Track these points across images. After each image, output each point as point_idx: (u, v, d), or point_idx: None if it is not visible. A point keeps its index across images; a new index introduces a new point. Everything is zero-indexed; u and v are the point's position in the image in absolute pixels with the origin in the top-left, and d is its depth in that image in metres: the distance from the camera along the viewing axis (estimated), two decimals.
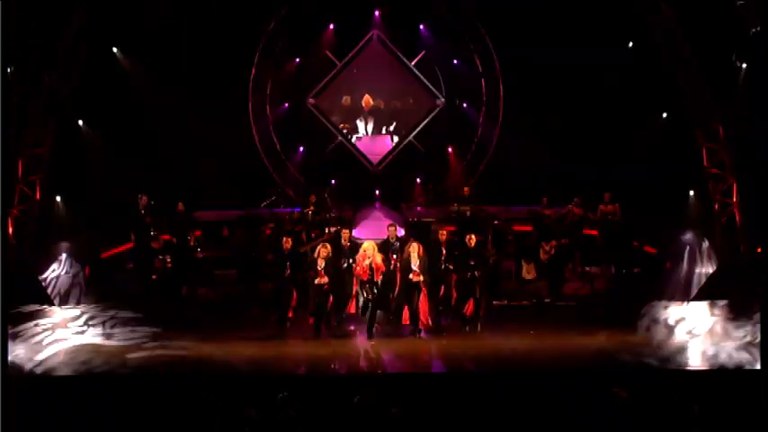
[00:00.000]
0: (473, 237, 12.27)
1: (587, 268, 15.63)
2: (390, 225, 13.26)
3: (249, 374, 10.35)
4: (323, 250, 12.05)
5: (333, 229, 16.20)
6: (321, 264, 12.01)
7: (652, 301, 12.73)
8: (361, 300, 12.06)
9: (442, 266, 12.41)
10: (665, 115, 17.25)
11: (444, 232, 12.66)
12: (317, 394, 9.16)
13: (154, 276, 14.83)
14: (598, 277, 15.36)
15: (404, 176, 19.22)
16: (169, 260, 14.64)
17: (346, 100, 19.89)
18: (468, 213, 16.66)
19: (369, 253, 11.92)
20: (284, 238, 12.55)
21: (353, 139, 19.85)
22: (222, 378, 10.09)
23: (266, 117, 19.05)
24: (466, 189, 17.25)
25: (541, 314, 13.77)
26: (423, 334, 11.92)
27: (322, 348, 11.43)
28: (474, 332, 12.06)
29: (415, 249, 11.88)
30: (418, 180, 19.28)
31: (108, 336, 12.17)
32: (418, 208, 18.65)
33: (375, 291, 11.95)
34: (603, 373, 10.07)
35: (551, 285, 14.65)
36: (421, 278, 11.90)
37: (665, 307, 12.93)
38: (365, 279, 11.93)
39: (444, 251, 12.39)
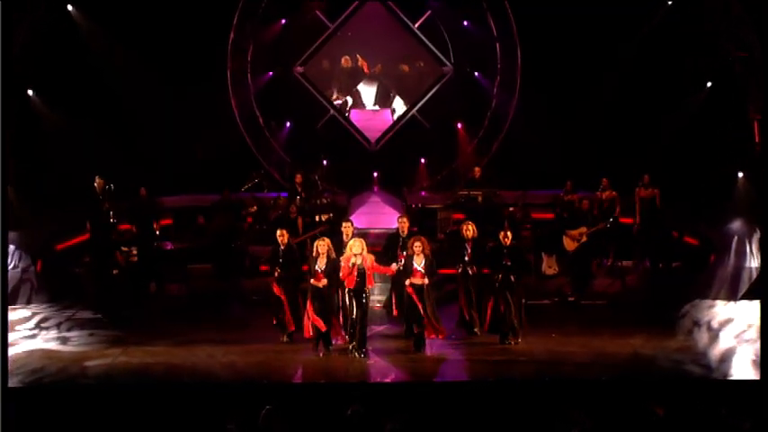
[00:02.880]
0: (509, 233, 11.98)
1: (618, 262, 15.61)
2: (401, 217, 12.76)
3: (229, 384, 10.31)
4: (321, 245, 11.31)
5: (324, 218, 16.22)
6: (322, 263, 11.26)
7: (694, 300, 12.70)
8: (351, 315, 11.12)
9: (462, 269, 12.09)
10: (709, 84, 17.18)
11: (470, 227, 12.11)
12: (306, 406, 9.14)
13: (115, 271, 14.79)
14: (631, 272, 15.36)
15: (406, 156, 19.19)
16: (134, 252, 14.61)
17: (346, 61, 19.81)
18: (479, 199, 16.65)
19: (355, 251, 10.98)
20: (279, 231, 12.02)
21: (348, 113, 19.80)
22: (197, 389, 10.05)
23: (247, 87, 19.02)
24: (477, 171, 17.22)
25: (565, 315, 13.73)
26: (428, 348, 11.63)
27: (313, 354, 11.40)
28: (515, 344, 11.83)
29: (419, 246, 11.53)
30: (422, 161, 19.26)
31: (63, 340, 12.13)
32: (422, 193, 18.64)
33: (365, 303, 11.09)
34: (637, 384, 10.03)
35: (576, 282, 14.64)
36: (426, 281, 11.47)
37: (709, 307, 12.93)
38: (352, 287, 11.05)
39: (469, 250, 12.07)
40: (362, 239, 11.30)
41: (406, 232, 12.39)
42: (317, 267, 11.29)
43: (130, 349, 11.62)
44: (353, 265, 10.98)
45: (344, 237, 12.00)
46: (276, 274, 11.88)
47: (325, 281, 11.25)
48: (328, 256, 11.28)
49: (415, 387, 10.33)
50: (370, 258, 11.20)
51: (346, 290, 11.19)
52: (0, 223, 10.24)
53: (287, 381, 10.61)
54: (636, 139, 17.18)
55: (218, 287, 14.84)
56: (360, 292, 11.07)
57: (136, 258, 15.04)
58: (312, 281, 11.31)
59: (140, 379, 10.46)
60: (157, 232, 15.63)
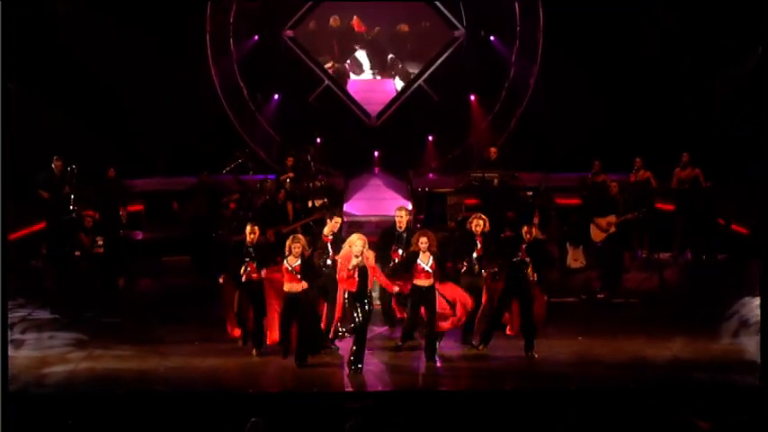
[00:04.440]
0: (533, 228, 11.87)
1: (655, 254, 15.58)
2: (399, 209, 12.52)
3: (209, 394, 10.28)
4: (294, 244, 11.14)
5: (318, 203, 16.22)
6: (294, 261, 11.13)
7: (742, 298, 12.66)
8: (350, 322, 10.98)
9: (466, 267, 11.90)
10: (761, 50, 17.08)
11: (481, 221, 11.92)
12: (297, 418, 9.12)
13: (78, 265, 14.74)
14: (669, 266, 15.38)
15: (411, 133, 19.16)
16: (100, 243, 14.59)
17: (334, 20, 19.78)
18: (495, 182, 16.65)
19: (356, 251, 10.73)
20: (249, 226, 11.76)
21: (345, 84, 19.71)
22: (172, 399, 10.02)
23: (230, 54, 18.96)
24: (493, 150, 17.21)
25: (593, 314, 13.70)
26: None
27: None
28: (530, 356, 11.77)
29: (425, 242, 11.35)
30: (430, 138, 19.24)
31: (17, 344, 12.08)
32: (430, 175, 18.63)
33: (367, 309, 10.90)
34: (676, 394, 10.00)
35: (606, 276, 14.62)
36: (432, 281, 11.34)
37: (760, 306, 12.85)
38: (354, 291, 10.84)
39: (479, 246, 11.91)
40: (363, 236, 11.04)
41: (403, 227, 12.25)
42: (289, 266, 11.12)
43: (95, 353, 11.60)
44: (354, 267, 10.75)
45: (325, 232, 11.90)
46: (242, 274, 11.61)
47: (303, 283, 11.13)
48: (302, 256, 11.18)
49: (421, 397, 10.33)
50: (372, 256, 11.07)
51: (345, 294, 11.06)
52: (0, 222, 10.29)
53: (274, 390, 10.57)
54: (674, 112, 17.16)
55: (196, 283, 14.80)
56: (362, 295, 10.87)
57: (101, 250, 14.96)
58: (286, 286, 11.16)
59: (106, 387, 10.42)
60: (124, 220, 15.58)
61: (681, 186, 15.83)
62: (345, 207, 17.40)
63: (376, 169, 19.00)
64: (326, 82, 19.45)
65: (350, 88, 19.81)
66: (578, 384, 10.47)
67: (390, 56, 20.22)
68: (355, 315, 10.88)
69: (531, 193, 16.61)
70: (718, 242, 15.42)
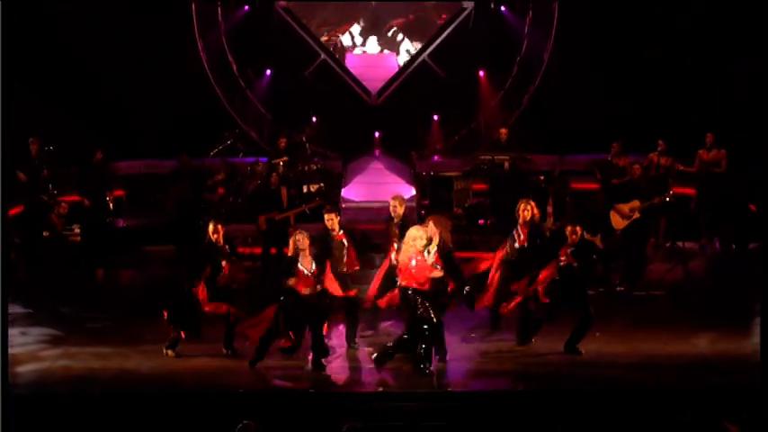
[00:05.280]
0: (578, 228, 11.74)
1: (680, 243, 15.55)
2: (394, 198, 12.19)
3: (196, 393, 10.26)
4: (301, 237, 10.90)
5: (314, 188, 16.22)
6: (308, 263, 10.86)
7: None
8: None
9: (507, 254, 11.78)
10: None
11: (530, 206, 11.61)
12: (292, 421, 9.13)
13: (58, 254, 14.73)
14: (696, 256, 15.38)
15: (415, 112, 19.09)
16: (77, 231, 14.57)
17: None
18: (505, 165, 16.67)
19: (420, 245, 10.57)
20: (212, 225, 11.42)
21: (343, 58, 19.66)
22: (155, 400, 9.96)
23: (217, 26, 18.90)
24: (503, 131, 17.22)
25: (613, 308, 13.55)
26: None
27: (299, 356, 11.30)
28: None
29: (436, 231, 11.10)
30: (435, 117, 19.21)
31: None
32: (435, 157, 18.63)
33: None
34: (703, 395, 9.95)
35: (627, 268, 14.59)
36: (441, 274, 11.15)
37: None
38: (427, 290, 10.66)
39: (523, 236, 11.63)
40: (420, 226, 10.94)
41: (398, 216, 11.96)
42: (302, 269, 10.88)
43: (71, 351, 11.56)
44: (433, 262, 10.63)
45: (330, 229, 11.66)
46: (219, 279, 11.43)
47: (317, 287, 10.93)
48: (316, 257, 10.98)
49: (434, 398, 10.23)
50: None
51: (418, 294, 10.73)
52: (0, 222, 10.28)
53: (268, 390, 10.54)
54: (699, 90, 17.09)
55: (182, 274, 14.72)
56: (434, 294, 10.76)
57: (80, 239, 14.95)
58: (300, 287, 10.86)
59: (84, 387, 10.37)
60: (111, 206, 15.60)
61: (704, 170, 15.77)
62: (343, 192, 17.39)
63: (376, 151, 18.99)
64: (323, 56, 19.38)
65: (348, 63, 19.78)
66: (596, 385, 10.43)
67: (393, 28, 20.11)
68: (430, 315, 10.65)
69: (544, 178, 16.56)
70: (748, 230, 15.36)
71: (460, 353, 11.54)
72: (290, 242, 10.96)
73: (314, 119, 18.67)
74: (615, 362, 11.17)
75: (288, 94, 18.96)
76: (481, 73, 19.33)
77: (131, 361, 11.26)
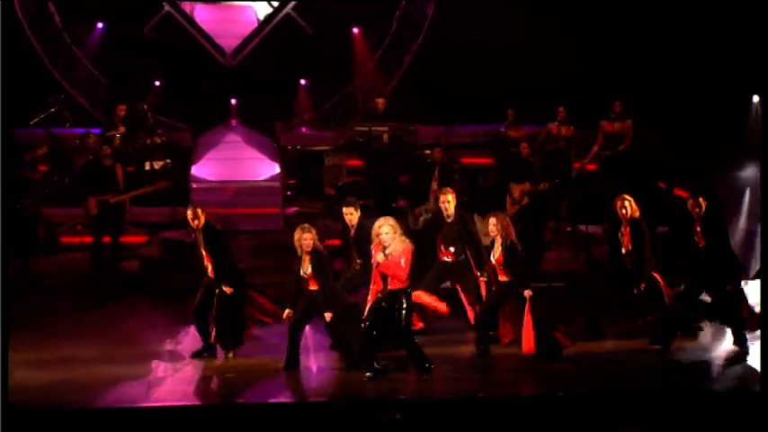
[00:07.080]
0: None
1: (581, 227, 15.85)
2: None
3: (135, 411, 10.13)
4: (306, 235, 11.02)
5: (158, 165, 16.09)
6: (307, 266, 11.06)
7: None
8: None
9: (620, 265, 12.01)
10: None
11: (628, 202, 11.75)
12: None
13: None
14: (599, 241, 15.52)
15: (278, 76, 19.04)
16: None
17: None
18: (384, 138, 16.84)
19: (386, 238, 10.59)
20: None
21: (192, 11, 19.58)
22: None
23: None
24: (380, 101, 17.31)
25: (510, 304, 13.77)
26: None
27: None
28: None
29: (497, 230, 11.42)
30: (302, 82, 19.32)
31: None
32: (302, 129, 18.81)
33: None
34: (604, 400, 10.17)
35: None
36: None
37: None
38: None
39: (627, 237, 11.77)
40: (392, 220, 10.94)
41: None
42: (304, 271, 11.09)
43: None
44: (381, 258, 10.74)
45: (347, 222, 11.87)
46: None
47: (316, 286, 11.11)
48: (316, 250, 11.07)
49: (427, 404, 10.42)
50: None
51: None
52: (0, 221, 10.03)
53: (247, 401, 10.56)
54: (606, 49, 17.39)
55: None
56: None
57: None
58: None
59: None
60: None
61: (608, 143, 16.07)
62: (193, 170, 17.25)
63: (233, 122, 19.07)
64: (167, 8, 19.22)
65: (197, 16, 19.62)
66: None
67: None
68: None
69: (429, 152, 16.62)
70: (658, 211, 15.66)
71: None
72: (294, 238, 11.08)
73: (157, 83, 18.66)
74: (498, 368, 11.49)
75: (125, 53, 18.84)
76: (355, 30, 19.42)
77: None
